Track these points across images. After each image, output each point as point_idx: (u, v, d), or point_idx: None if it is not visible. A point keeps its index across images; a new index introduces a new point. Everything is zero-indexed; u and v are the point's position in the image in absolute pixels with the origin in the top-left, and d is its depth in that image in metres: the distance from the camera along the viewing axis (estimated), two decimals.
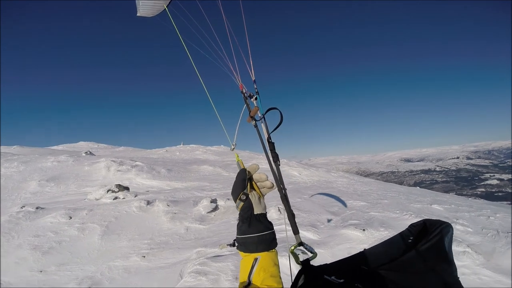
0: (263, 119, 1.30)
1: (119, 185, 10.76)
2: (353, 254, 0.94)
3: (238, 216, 1.02)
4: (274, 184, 1.08)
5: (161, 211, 7.92)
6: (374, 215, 7.22)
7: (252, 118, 1.30)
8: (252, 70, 1.43)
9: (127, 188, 10.95)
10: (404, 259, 0.84)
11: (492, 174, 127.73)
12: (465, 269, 5.03)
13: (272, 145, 1.25)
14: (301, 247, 1.01)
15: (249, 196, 1.00)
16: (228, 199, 8.06)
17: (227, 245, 5.64)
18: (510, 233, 6.48)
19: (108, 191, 10.04)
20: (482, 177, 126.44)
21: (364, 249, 0.96)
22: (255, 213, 0.98)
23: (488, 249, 5.78)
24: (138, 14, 1.68)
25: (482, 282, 4.45)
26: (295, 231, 1.06)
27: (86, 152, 20.29)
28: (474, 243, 5.86)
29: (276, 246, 1.01)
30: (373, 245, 0.95)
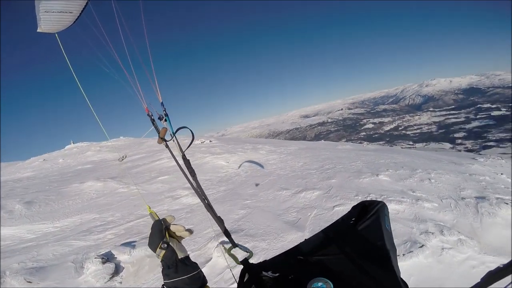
0: (175, 138, 1.31)
1: None
2: (293, 246, 1.03)
3: (160, 263, 1.00)
4: (192, 231, 1.08)
5: None
6: (340, 211, 5.79)
7: (162, 139, 1.30)
8: (159, 93, 1.34)
9: None
10: (338, 244, 0.92)
11: (367, 120, 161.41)
12: (472, 260, 4.08)
13: (188, 162, 1.26)
14: (237, 248, 1.11)
15: (170, 243, 0.99)
16: (134, 245, 4.98)
17: None
18: (464, 199, 6.20)
19: None
20: (361, 123, 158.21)
21: (305, 239, 1.04)
22: (179, 257, 0.99)
23: (468, 228, 5.17)
24: (38, 30, 1.39)
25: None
26: (227, 235, 1.18)
27: None
28: (455, 224, 5.13)
29: (207, 282, 1.03)
30: None
